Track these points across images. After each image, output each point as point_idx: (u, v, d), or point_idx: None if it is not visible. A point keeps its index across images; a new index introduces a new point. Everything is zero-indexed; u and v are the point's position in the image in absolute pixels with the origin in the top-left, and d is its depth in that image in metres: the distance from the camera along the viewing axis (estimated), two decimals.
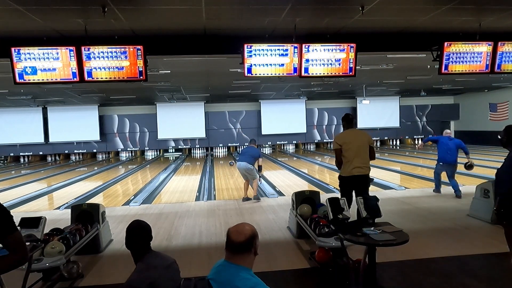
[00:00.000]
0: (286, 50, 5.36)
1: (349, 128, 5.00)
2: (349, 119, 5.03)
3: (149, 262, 2.18)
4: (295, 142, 21.54)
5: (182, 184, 10.68)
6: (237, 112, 20.67)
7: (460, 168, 7.58)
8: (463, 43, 5.64)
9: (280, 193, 8.55)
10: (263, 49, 5.33)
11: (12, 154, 19.59)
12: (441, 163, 7.55)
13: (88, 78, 5.12)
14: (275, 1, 4.39)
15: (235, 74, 9.24)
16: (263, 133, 20.56)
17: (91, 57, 5.05)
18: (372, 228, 3.46)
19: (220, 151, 21.26)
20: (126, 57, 5.10)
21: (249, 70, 5.39)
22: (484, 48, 5.69)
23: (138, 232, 2.29)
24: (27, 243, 3.37)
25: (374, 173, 10.88)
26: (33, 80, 5.09)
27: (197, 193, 8.96)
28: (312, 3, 4.53)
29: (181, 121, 19.70)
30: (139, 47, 5.10)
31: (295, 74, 5.48)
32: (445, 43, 5.59)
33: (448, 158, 7.40)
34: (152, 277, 2.07)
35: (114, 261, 4.57)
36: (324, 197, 4.98)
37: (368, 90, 17.09)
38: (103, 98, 16.45)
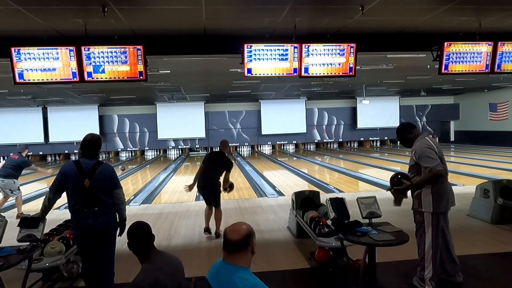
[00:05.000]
0: (286, 50, 5.36)
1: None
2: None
3: (155, 263, 2.19)
4: (295, 142, 21.55)
5: (182, 184, 10.67)
6: (237, 112, 20.67)
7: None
8: (463, 43, 5.64)
9: (280, 193, 8.55)
10: (263, 49, 5.33)
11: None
12: None
13: (88, 78, 5.11)
14: (275, 1, 4.38)
15: (235, 74, 9.24)
16: (263, 133, 20.57)
17: (91, 57, 5.05)
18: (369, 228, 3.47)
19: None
20: (126, 57, 5.10)
21: (249, 70, 5.38)
22: (484, 48, 5.69)
23: (134, 233, 2.30)
24: (27, 243, 3.38)
25: (374, 173, 10.94)
26: (33, 80, 5.08)
27: (197, 193, 8.95)
28: (312, 3, 4.52)
29: (181, 121, 19.70)
30: (139, 47, 5.10)
31: (295, 74, 5.48)
32: (445, 43, 5.59)
33: None
34: (156, 277, 2.08)
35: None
36: (324, 197, 4.98)
37: (368, 90, 17.09)
38: (103, 98, 16.46)
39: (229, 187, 5.63)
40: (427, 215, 3.41)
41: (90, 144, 3.29)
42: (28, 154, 20.34)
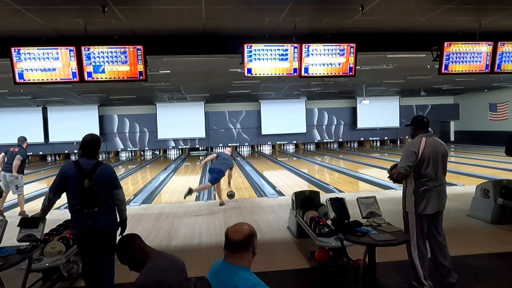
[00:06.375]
0: (286, 50, 5.36)
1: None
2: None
3: (158, 262, 2.18)
4: (295, 142, 21.54)
5: (182, 184, 10.67)
6: (237, 112, 20.67)
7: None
8: (463, 43, 5.64)
9: (280, 193, 8.54)
10: (263, 49, 5.33)
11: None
12: None
13: (88, 78, 5.11)
14: (275, 1, 4.38)
15: (235, 74, 9.24)
16: (263, 133, 20.56)
17: (91, 57, 5.05)
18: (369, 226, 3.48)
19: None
20: (126, 57, 5.10)
21: (249, 70, 5.39)
22: (484, 48, 5.69)
23: (121, 256, 2.35)
24: (27, 243, 3.38)
25: (374, 173, 10.93)
26: (33, 80, 5.08)
27: (197, 193, 8.95)
28: (312, 3, 4.52)
29: (181, 121, 19.70)
30: (139, 47, 5.10)
31: (295, 74, 5.48)
32: (445, 43, 5.59)
33: None
34: (160, 276, 2.07)
35: None
36: (324, 197, 4.98)
37: (368, 90, 17.09)
38: (103, 98, 16.46)
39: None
40: (411, 215, 3.50)
41: (90, 144, 3.29)
42: (28, 154, 20.32)
